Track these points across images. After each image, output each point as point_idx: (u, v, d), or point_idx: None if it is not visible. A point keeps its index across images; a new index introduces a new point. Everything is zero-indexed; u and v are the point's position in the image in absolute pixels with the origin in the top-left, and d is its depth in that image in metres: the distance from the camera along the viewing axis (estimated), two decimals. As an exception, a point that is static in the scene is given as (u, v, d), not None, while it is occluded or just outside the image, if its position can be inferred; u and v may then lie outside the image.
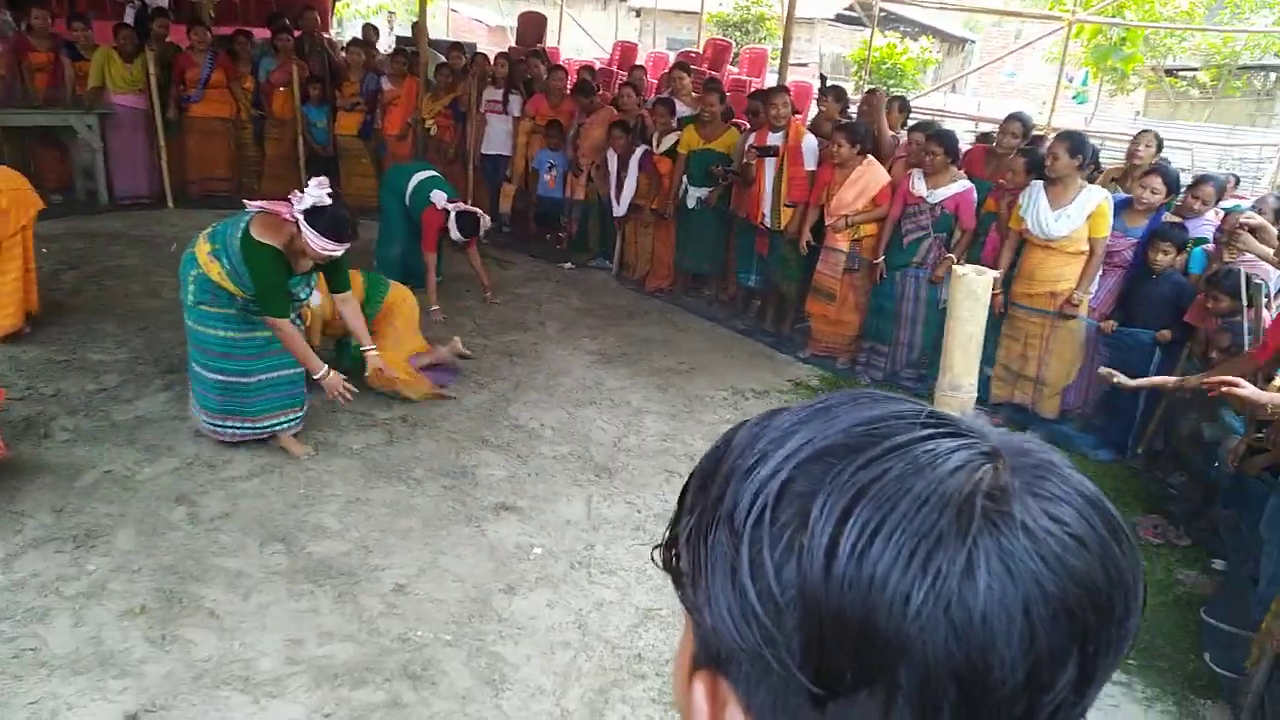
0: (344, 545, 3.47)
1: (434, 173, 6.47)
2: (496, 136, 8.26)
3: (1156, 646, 3.39)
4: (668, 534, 0.52)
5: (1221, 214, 4.92)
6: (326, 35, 10.89)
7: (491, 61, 8.55)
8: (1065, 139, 4.88)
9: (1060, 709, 0.43)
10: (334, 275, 4.03)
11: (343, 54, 9.16)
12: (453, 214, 5.95)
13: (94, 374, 4.71)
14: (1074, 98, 19.44)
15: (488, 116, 8.27)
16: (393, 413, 4.62)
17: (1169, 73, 18.69)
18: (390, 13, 13.34)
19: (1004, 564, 0.41)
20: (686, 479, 0.52)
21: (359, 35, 9.98)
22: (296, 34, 8.99)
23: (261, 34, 9.17)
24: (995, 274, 1.91)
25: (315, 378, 3.93)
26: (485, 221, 6.11)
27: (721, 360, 5.94)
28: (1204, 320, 4.41)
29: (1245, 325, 4.02)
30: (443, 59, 8.75)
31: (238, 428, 4.02)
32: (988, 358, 5.25)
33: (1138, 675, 3.21)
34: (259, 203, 3.74)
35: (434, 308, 6.04)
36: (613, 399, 5.09)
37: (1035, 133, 6.30)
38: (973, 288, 1.87)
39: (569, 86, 8.11)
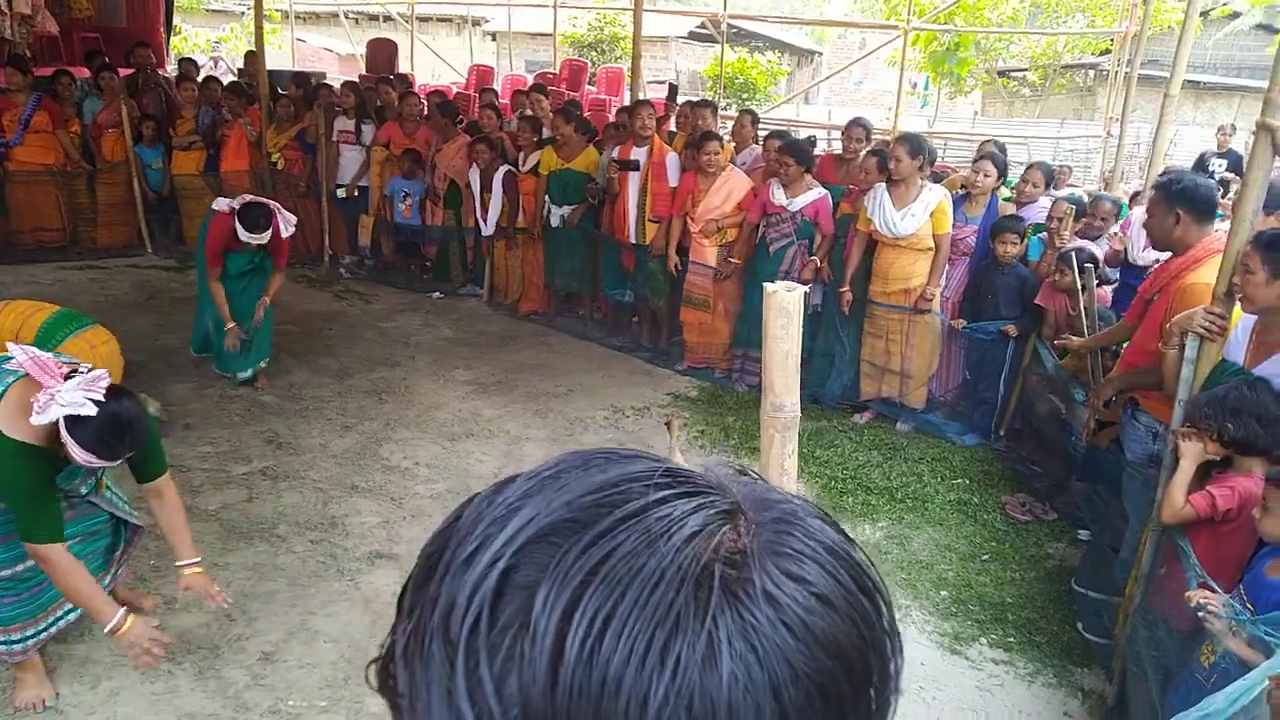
0: (202, 617, 3.22)
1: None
2: (350, 167, 7.99)
3: (1034, 622, 3.52)
4: (385, 645, 0.44)
5: (1051, 200, 5.25)
6: (162, 72, 10.32)
7: (340, 91, 8.29)
8: (905, 141, 5.10)
9: None
10: (139, 462, 2.70)
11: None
12: (237, 209, 4.89)
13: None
14: (921, 104, 20.55)
15: (340, 147, 8.00)
16: (252, 466, 4.34)
17: (1001, 74, 20.00)
18: (216, 43, 12.72)
19: (748, 643, 0.37)
20: (413, 570, 0.44)
21: (184, 71, 9.45)
22: (127, 71, 8.46)
23: (84, 73, 8.59)
24: (805, 289, 1.92)
25: (106, 628, 2.52)
26: (287, 217, 5.00)
27: (600, 380, 5.89)
28: (1051, 301, 4.68)
29: (1081, 305, 4.27)
30: (282, 91, 8.42)
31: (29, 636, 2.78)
32: (853, 357, 5.46)
33: (1019, 653, 3.33)
34: (22, 361, 2.41)
35: (229, 326, 4.98)
36: (490, 429, 4.96)
37: (883, 136, 6.58)
38: (784, 305, 1.87)
39: (425, 111, 7.94)
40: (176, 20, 13.87)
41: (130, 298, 6.88)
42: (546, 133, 7.19)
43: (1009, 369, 5.03)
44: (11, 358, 2.45)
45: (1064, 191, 6.15)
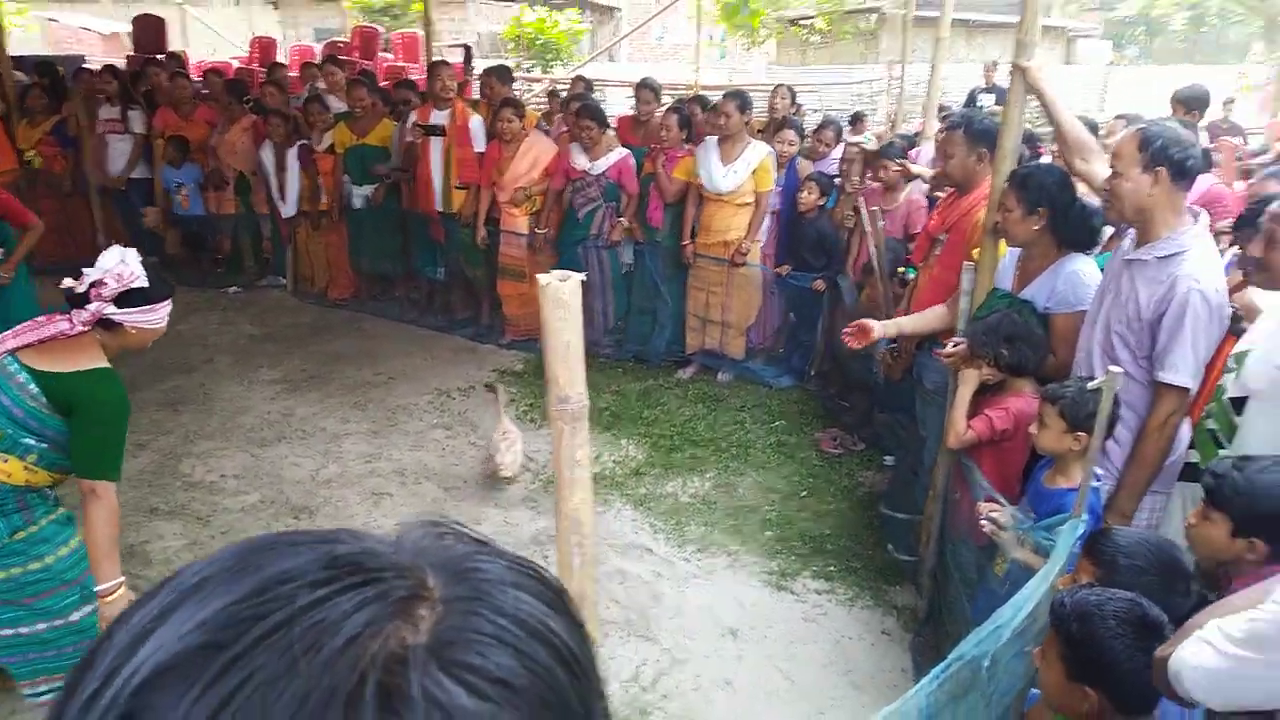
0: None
1: None
2: (120, 158, 7.30)
3: (850, 549, 3.75)
4: None
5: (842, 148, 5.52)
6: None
7: (100, 76, 7.53)
8: (734, 97, 5.18)
9: None
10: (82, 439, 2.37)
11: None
12: None
13: None
14: (719, 55, 20.97)
15: (107, 138, 7.28)
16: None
17: (791, 23, 20.71)
18: None
19: None
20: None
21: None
22: None
23: None
24: (580, 276, 1.91)
25: (103, 587, 2.39)
26: None
27: (422, 362, 5.73)
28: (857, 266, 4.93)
29: (871, 246, 4.51)
30: (30, 80, 7.55)
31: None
32: (675, 312, 5.56)
33: (839, 580, 3.53)
34: (21, 339, 2.32)
35: None
36: (304, 429, 4.72)
37: (686, 91, 6.65)
38: (559, 294, 1.83)
39: (202, 92, 7.35)
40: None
41: None
42: (340, 106, 6.83)
43: (823, 311, 5.28)
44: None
45: (857, 138, 6.47)
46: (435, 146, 6.01)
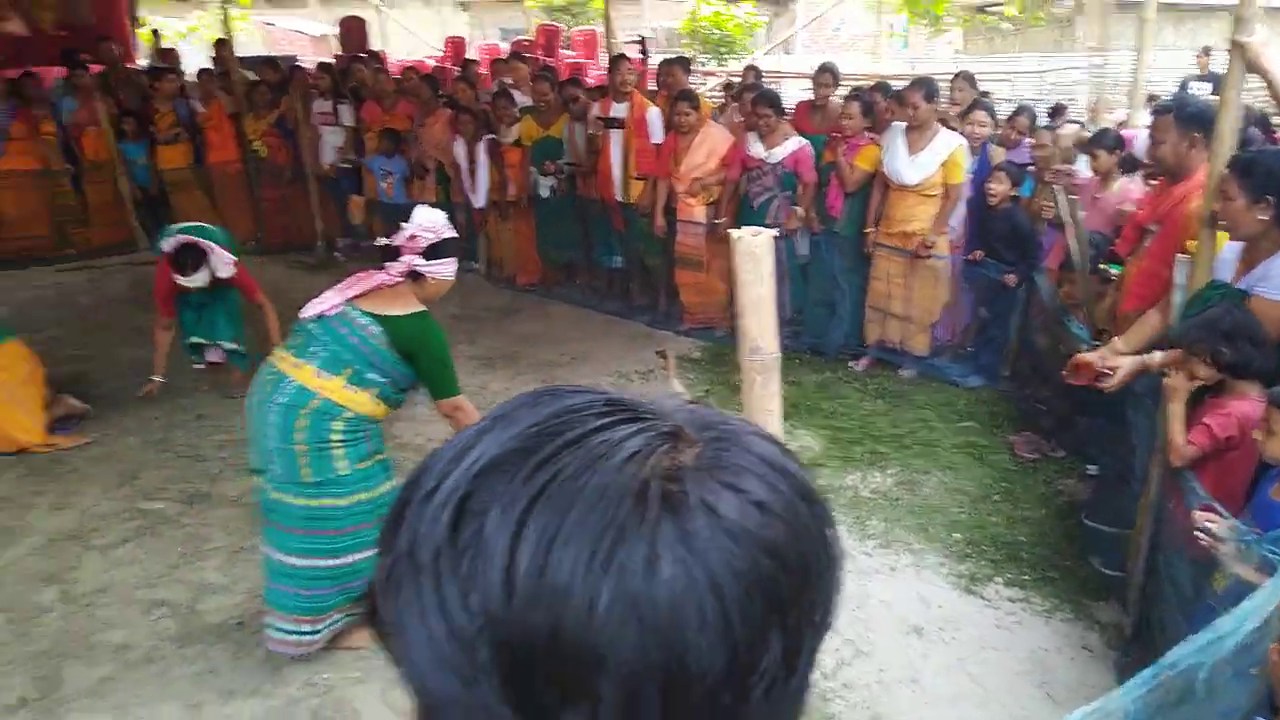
0: (234, 598, 3.30)
1: (189, 226, 4.93)
2: (332, 149, 7.95)
3: (1048, 558, 3.59)
4: (370, 584, 0.48)
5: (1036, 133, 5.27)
6: (132, 65, 10.20)
7: (314, 72, 8.25)
8: (921, 85, 5.04)
9: (773, 686, 0.43)
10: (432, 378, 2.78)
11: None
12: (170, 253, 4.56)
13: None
14: (900, 45, 20.34)
15: (320, 129, 7.96)
16: (268, 452, 4.40)
17: (979, 10, 19.78)
18: (154, 31, 12.46)
19: (687, 547, 0.40)
20: (384, 517, 0.48)
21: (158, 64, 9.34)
22: (97, 68, 8.38)
23: (51, 74, 8.49)
24: (773, 233, 1.97)
25: None
26: (220, 257, 4.55)
27: (602, 346, 5.94)
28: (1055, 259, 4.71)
29: (1072, 240, 4.30)
30: (257, 77, 8.35)
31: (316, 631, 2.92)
32: (855, 302, 5.49)
33: (1033, 589, 3.40)
34: (354, 289, 2.71)
35: (153, 378, 4.61)
36: (498, 401, 4.99)
37: (866, 80, 6.55)
38: (751, 249, 1.90)
39: (407, 87, 7.90)
40: (142, 12, 13.64)
41: (128, 294, 6.89)
42: (526, 101, 7.16)
43: (1016, 308, 5.06)
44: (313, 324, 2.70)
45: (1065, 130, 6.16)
46: (615, 139, 6.21)
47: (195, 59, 11.01)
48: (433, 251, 2.73)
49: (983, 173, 5.14)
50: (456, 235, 2.83)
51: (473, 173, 7.07)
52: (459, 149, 7.08)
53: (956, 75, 6.33)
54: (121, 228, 8.16)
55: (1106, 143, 4.55)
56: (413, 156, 7.48)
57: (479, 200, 7.14)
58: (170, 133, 8.11)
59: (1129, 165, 4.60)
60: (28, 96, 7.74)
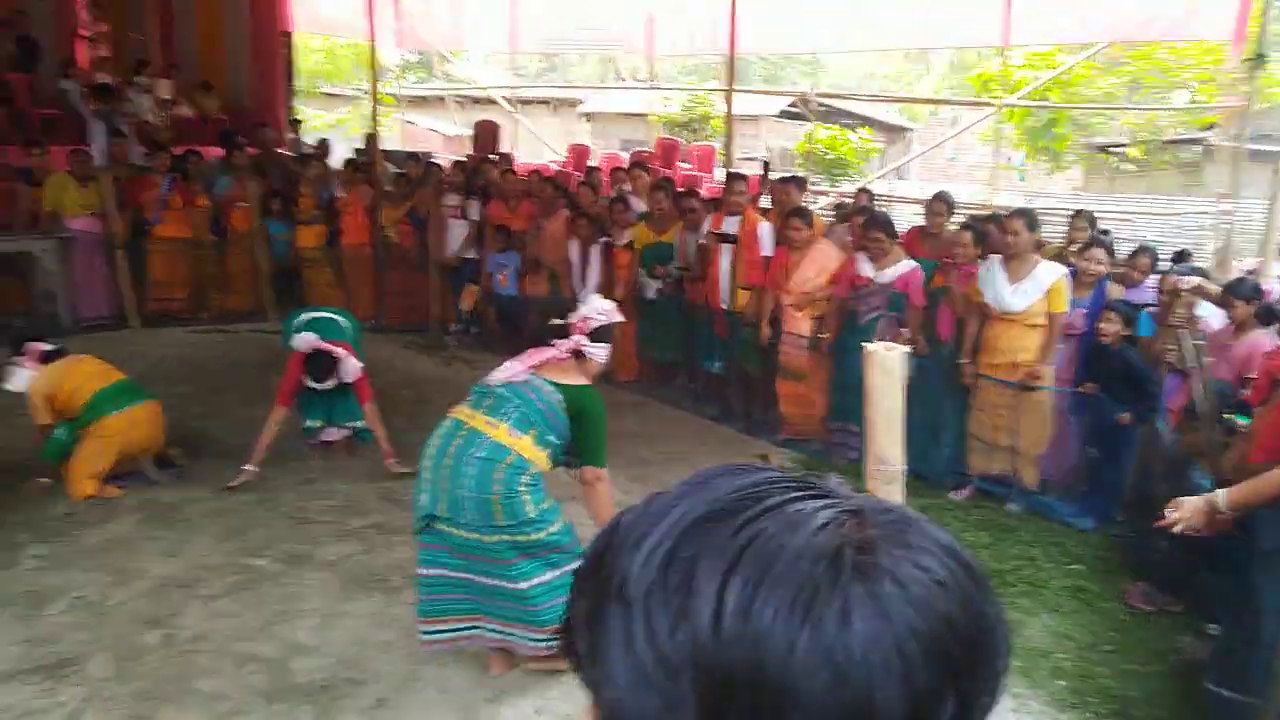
0: (323, 660, 3.36)
1: (326, 313, 5.44)
2: (457, 240, 8.40)
3: (1161, 719, 3.35)
4: (563, 621, 0.53)
5: (1158, 278, 5.16)
6: (282, 150, 11.12)
7: (448, 169, 8.82)
8: (1022, 215, 5.07)
9: None
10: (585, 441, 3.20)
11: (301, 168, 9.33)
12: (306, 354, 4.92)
13: (62, 498, 4.58)
14: (1019, 178, 20.36)
15: (448, 221, 8.44)
16: (367, 520, 4.54)
17: (1101, 149, 19.67)
18: (295, 120, 13.62)
19: (877, 608, 0.45)
20: (578, 567, 0.54)
21: (312, 149, 10.16)
22: (252, 150, 9.17)
23: (211, 152, 9.34)
24: (906, 349, 2.01)
25: None
26: (349, 366, 4.95)
27: (696, 448, 5.96)
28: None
29: (1197, 386, 4.15)
30: (398, 169, 8.99)
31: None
32: (957, 431, 5.38)
33: (1142, 747, 3.17)
34: (533, 361, 3.14)
35: (248, 468, 4.86)
36: (589, 494, 5.05)
37: (979, 210, 6.60)
38: (885, 364, 1.94)
39: (531, 188, 8.35)
40: (296, 103, 14.94)
41: (255, 359, 7.31)
42: (641, 207, 7.46)
43: (1130, 449, 4.87)
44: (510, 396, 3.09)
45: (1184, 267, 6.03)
46: (725, 250, 6.38)
47: (340, 149, 11.91)
48: (596, 335, 3.15)
49: (1097, 309, 5.05)
50: (620, 321, 3.29)
51: (584, 273, 7.34)
52: (573, 248, 7.38)
53: (1076, 213, 6.32)
54: (254, 297, 8.76)
55: (1244, 291, 4.43)
56: (528, 252, 7.83)
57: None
58: (310, 214, 8.75)
59: (1265, 316, 4.45)
60: (188, 172, 8.50)
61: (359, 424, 5.22)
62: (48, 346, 4.82)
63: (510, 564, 3.01)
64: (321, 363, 4.85)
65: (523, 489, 2.98)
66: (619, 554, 0.50)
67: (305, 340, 4.89)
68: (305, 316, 5.27)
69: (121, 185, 8.08)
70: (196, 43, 12.95)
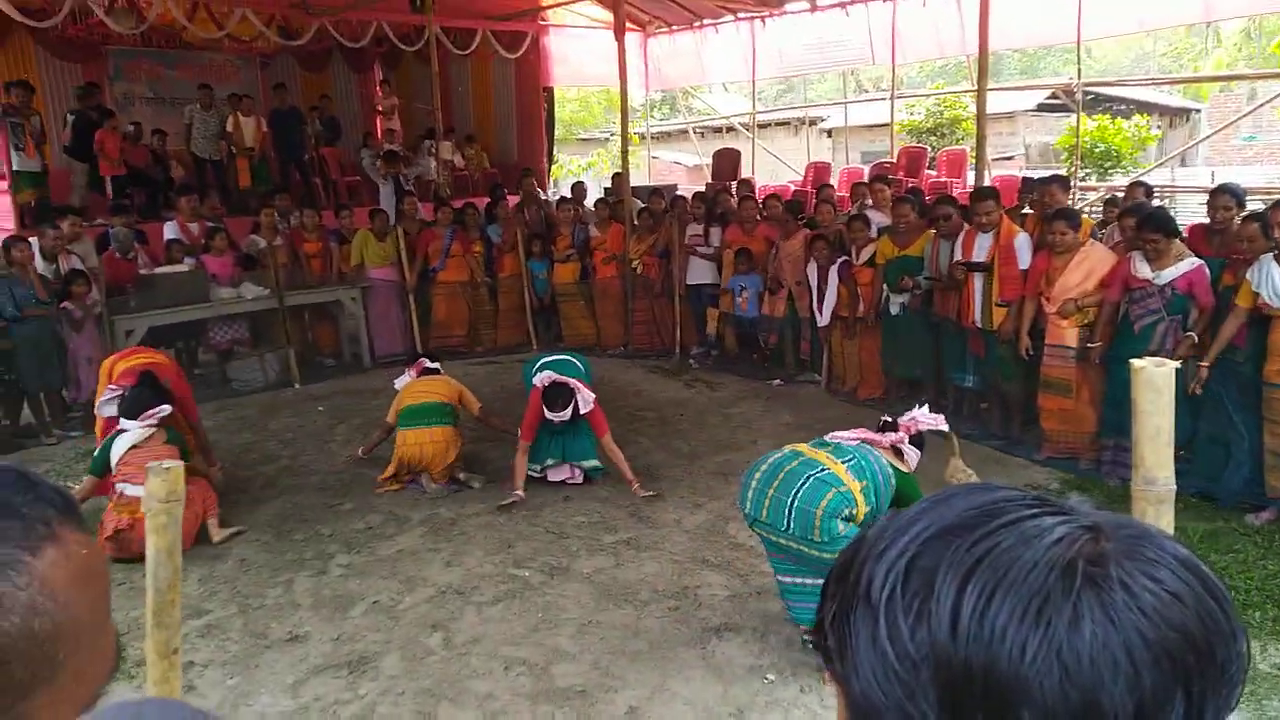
0: (580, 667, 3.62)
1: (561, 356, 5.98)
2: (699, 267, 8.68)
3: None
4: (815, 621, 0.60)
5: None
6: (543, 194, 12.08)
7: (690, 201, 9.17)
8: None
9: None
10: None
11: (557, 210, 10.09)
12: (543, 390, 5.32)
13: (361, 514, 5.29)
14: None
15: (692, 249, 8.74)
16: (618, 536, 4.82)
17: None
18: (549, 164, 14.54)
19: (1106, 614, 0.48)
20: (826, 577, 0.60)
21: (567, 194, 10.95)
22: (514, 198, 10.07)
23: (483, 203, 10.36)
24: (1175, 365, 1.86)
25: None
26: (584, 397, 5.31)
27: (944, 467, 5.68)
28: None
29: None
30: (643, 204, 9.47)
31: None
32: (1252, 447, 4.74)
33: None
34: (861, 436, 3.63)
35: (516, 492, 5.28)
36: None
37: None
38: (1152, 380, 1.81)
39: (767, 212, 8.46)
40: (555, 150, 16.16)
41: (520, 388, 7.96)
42: (884, 221, 7.29)
43: None
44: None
45: None
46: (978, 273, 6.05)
47: (594, 189, 12.76)
48: (916, 439, 3.60)
49: None
50: (945, 433, 3.79)
51: (823, 293, 7.29)
52: (811, 270, 7.37)
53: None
54: (521, 330, 9.57)
55: None
56: (769, 274, 7.91)
57: (823, 319, 7.34)
58: (565, 253, 9.43)
59: None
60: (465, 223, 9.49)
61: (590, 463, 5.54)
62: (428, 363, 6.11)
63: (803, 566, 3.43)
64: (559, 394, 5.26)
65: (842, 521, 3.29)
66: (865, 563, 0.56)
67: (543, 377, 5.39)
68: (544, 359, 5.88)
69: (411, 238, 9.18)
70: (470, 107, 14.51)
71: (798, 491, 3.34)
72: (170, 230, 8.92)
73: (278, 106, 12.11)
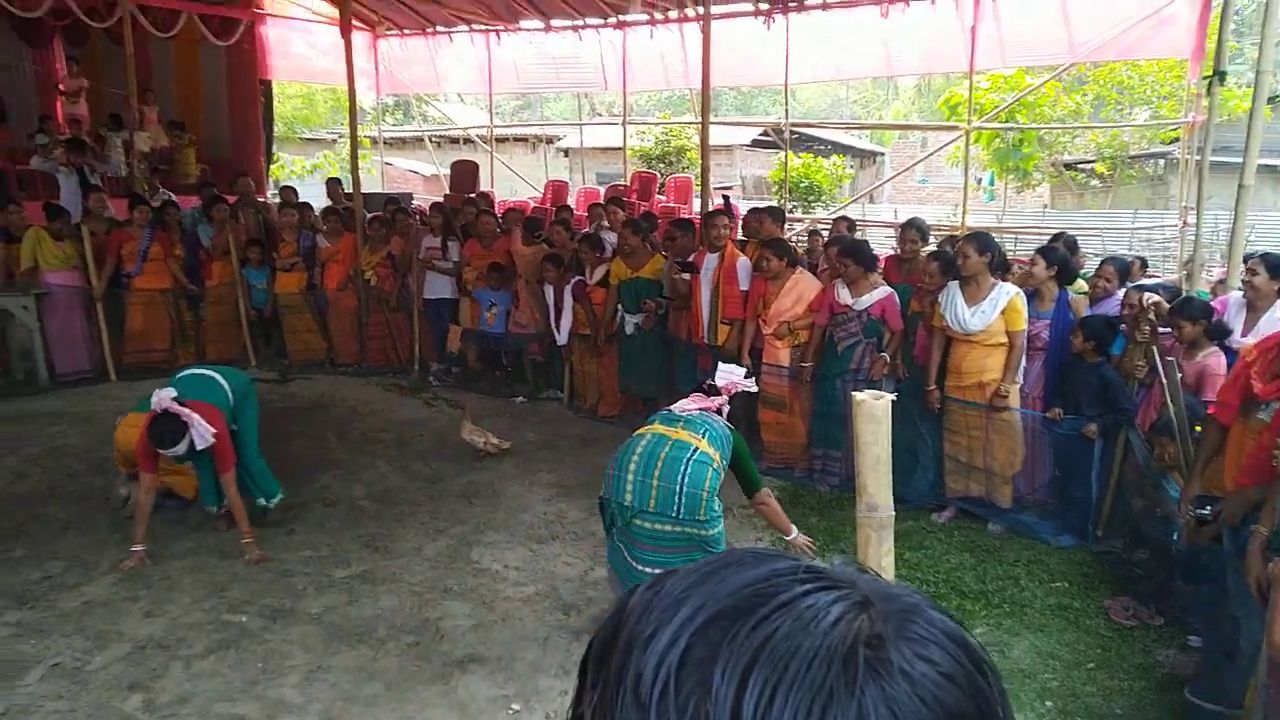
0: (308, 719, 3.32)
1: (200, 371, 4.96)
2: (437, 281, 8.42)
3: (1144, 732, 3.36)
4: (570, 713, 0.53)
5: (1124, 291, 5.25)
6: (262, 198, 11.15)
7: (426, 212, 8.87)
8: (973, 240, 5.21)
9: None
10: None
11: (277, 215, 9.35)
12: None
13: (38, 562, 4.53)
14: (986, 198, 20.62)
15: (429, 261, 8.46)
16: (351, 570, 4.51)
17: (1068, 166, 20.01)
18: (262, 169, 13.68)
19: (890, 710, 0.46)
20: (585, 651, 0.54)
21: (283, 198, 10.18)
22: (232, 200, 9.19)
23: (189, 203, 9.36)
24: (892, 397, 2.06)
25: (789, 538, 3.91)
26: (200, 432, 4.30)
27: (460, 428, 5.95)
28: (1146, 416, 4.65)
29: (1166, 400, 4.21)
30: (376, 213, 9.04)
31: None
32: (935, 453, 5.43)
33: (1129, 763, 3.18)
34: (701, 404, 3.76)
35: (135, 548, 4.48)
36: (575, 531, 5.04)
37: (950, 233, 6.69)
38: (872, 412, 1.99)
39: (500, 229, 8.41)
40: (274, 149, 15.00)
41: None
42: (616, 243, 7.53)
43: (1099, 466, 4.93)
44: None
45: (1149, 282, 6.13)
46: (705, 284, 6.43)
47: (318, 192, 11.97)
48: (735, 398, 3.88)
49: (1062, 324, 5.15)
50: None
51: (559, 311, 7.38)
52: (548, 290, 7.42)
53: (1056, 235, 6.39)
54: (234, 344, 8.72)
55: (1192, 312, 4.52)
56: (518, 289, 7.85)
57: (561, 337, 7.43)
58: (289, 261, 8.75)
59: (1217, 333, 4.54)
60: (167, 223, 8.50)
61: (223, 506, 4.73)
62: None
63: (677, 552, 3.52)
64: (167, 425, 4.24)
65: (716, 494, 3.53)
66: (630, 650, 0.50)
67: (159, 398, 4.30)
68: (182, 374, 4.82)
69: (99, 239, 8.06)
70: (174, 94, 13.02)
71: (683, 476, 3.46)
72: None
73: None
